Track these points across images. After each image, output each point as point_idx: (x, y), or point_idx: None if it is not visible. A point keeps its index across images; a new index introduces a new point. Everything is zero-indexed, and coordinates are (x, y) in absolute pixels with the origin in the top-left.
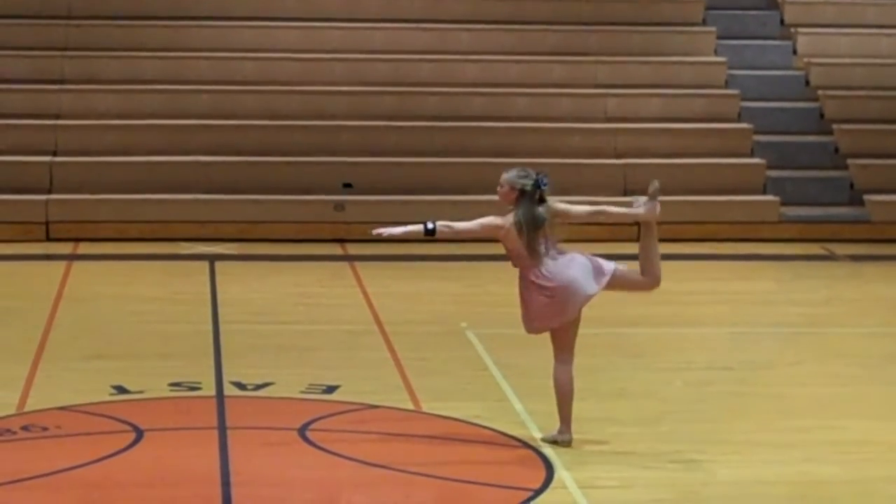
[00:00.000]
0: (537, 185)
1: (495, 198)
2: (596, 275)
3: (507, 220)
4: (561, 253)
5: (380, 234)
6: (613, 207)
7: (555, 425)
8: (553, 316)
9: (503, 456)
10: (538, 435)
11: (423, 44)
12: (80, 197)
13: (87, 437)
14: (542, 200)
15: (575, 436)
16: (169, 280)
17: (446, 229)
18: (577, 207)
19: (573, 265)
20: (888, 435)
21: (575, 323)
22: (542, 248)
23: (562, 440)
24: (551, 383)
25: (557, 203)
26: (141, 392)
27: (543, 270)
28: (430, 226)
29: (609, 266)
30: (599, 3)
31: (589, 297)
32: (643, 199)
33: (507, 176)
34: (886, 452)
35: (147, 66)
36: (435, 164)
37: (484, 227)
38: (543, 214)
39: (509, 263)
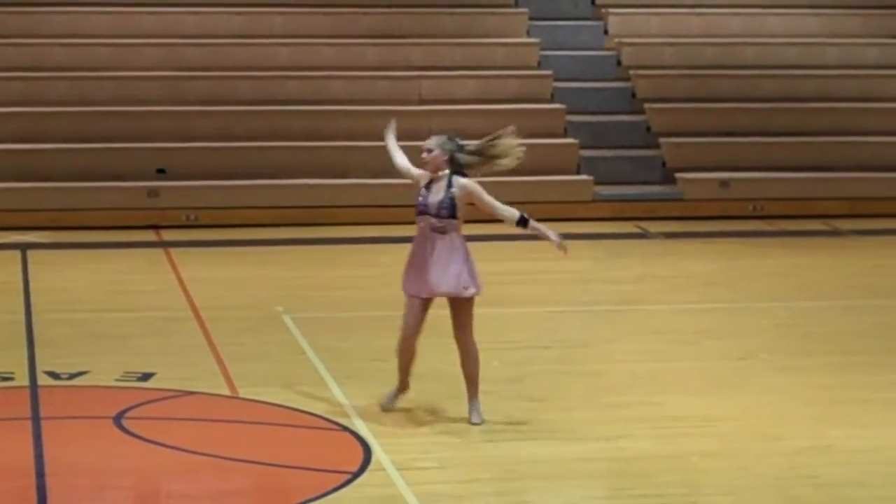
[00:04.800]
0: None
1: (310, 181)
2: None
3: None
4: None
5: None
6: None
7: (371, 408)
8: None
9: (321, 439)
10: (356, 419)
11: (235, 27)
12: None
13: None
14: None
15: (390, 417)
16: None
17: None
18: (488, 198)
19: None
20: (703, 409)
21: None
22: None
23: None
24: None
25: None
26: None
27: None
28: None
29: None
30: None
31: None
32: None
33: (436, 141)
34: (702, 426)
35: None
36: (249, 149)
37: None
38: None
39: (325, 248)
